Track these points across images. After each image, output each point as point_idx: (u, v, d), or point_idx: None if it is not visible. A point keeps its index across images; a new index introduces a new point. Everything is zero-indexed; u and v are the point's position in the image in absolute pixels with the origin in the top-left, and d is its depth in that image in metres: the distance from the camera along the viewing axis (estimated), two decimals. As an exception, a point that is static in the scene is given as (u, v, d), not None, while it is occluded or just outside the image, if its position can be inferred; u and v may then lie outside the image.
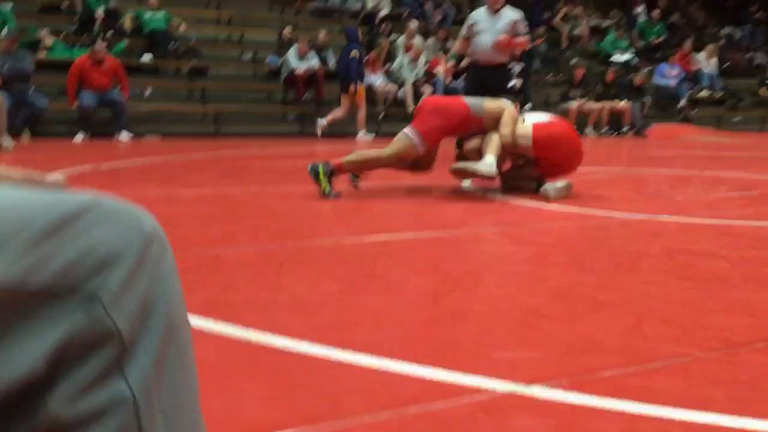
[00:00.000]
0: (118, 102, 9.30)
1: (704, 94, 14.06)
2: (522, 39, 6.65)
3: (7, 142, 7.68)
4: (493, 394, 1.60)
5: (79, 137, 8.98)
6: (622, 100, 12.38)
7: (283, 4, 13.62)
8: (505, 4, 6.59)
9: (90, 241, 0.50)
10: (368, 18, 13.18)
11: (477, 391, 1.62)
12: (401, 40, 11.86)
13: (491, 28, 6.55)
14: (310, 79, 10.88)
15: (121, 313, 0.51)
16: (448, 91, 10.40)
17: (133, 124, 9.51)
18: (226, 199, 4.43)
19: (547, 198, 4.42)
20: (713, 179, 6.05)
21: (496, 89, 6.69)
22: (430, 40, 12.44)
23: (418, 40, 11.68)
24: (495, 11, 6.55)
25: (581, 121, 12.02)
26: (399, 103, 11.41)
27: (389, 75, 11.59)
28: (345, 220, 3.78)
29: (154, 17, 11.11)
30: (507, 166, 4.92)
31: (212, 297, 2.29)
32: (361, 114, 10.51)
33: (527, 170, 4.76)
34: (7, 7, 10.20)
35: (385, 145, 4.80)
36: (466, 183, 4.99)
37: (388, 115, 11.52)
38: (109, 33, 10.52)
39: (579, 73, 12.23)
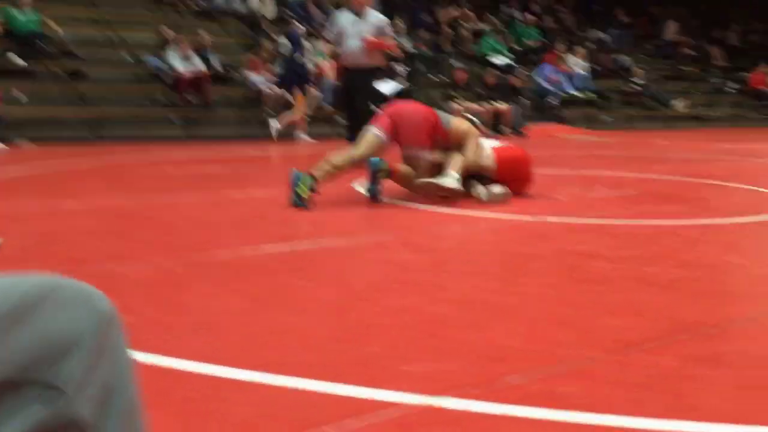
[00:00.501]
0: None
1: (577, 94, 14.78)
2: (390, 41, 6.70)
3: None
4: (407, 409, 1.63)
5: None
6: (502, 101, 12.82)
7: (164, 5, 13.21)
8: (367, 6, 6.56)
9: (49, 330, 0.49)
10: (252, 20, 13.00)
11: (391, 406, 1.64)
12: (286, 42, 11.77)
13: (356, 31, 6.54)
14: (195, 81, 10.62)
15: (84, 400, 0.50)
16: (336, 92, 10.46)
17: (6, 129, 8.96)
18: (114, 211, 4.26)
19: (479, 200, 4.59)
20: (590, 179, 6.37)
21: (365, 93, 6.74)
22: (316, 43, 12.43)
23: (304, 43, 11.64)
24: (359, 13, 6.55)
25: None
26: (288, 105, 11.33)
27: (276, 77, 11.49)
28: (242, 229, 3.73)
29: (28, 17, 10.51)
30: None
31: (110, 320, 2.20)
32: (292, 117, 10.73)
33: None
34: None
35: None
36: (361, 188, 5.02)
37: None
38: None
39: (460, 75, 12.56)
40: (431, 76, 13.91)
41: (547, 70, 14.03)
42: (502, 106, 12.81)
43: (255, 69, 11.20)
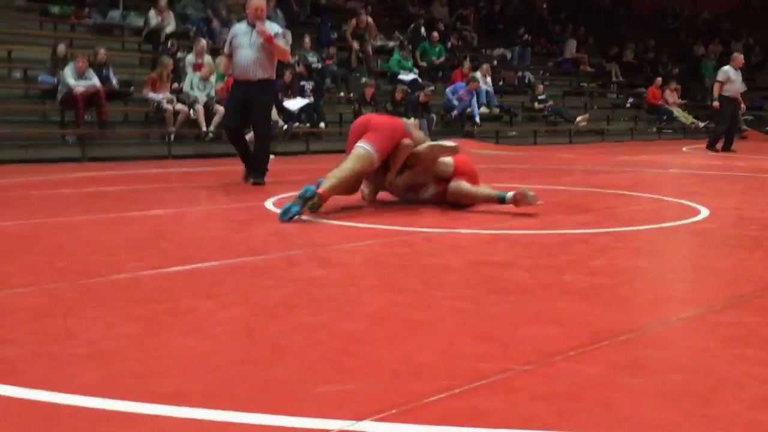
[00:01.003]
0: None
1: (483, 110, 15.02)
2: (282, 46, 6.50)
3: None
4: (322, 436, 1.49)
5: None
6: (410, 117, 12.86)
7: (56, 20, 12.63)
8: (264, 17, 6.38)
9: None
10: (152, 35, 12.59)
11: (304, 434, 1.50)
12: (190, 58, 11.44)
13: (249, 43, 6.34)
14: (91, 98, 10.15)
15: None
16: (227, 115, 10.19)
17: None
18: (0, 235, 3.93)
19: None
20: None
21: (258, 107, 6.55)
22: (219, 59, 12.14)
23: (208, 59, 11.33)
24: (254, 25, 6.34)
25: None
26: (191, 123, 10.99)
27: (179, 94, 11.14)
28: (141, 251, 3.49)
29: None
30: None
31: (-14, 354, 1.97)
32: None
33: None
34: None
35: None
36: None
37: (180, 136, 11.05)
38: None
39: (369, 91, 12.53)
40: (339, 92, 13.86)
41: (458, 87, 14.20)
42: (410, 121, 12.84)
43: (154, 86, 10.81)
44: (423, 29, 16.73)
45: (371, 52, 15.18)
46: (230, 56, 6.54)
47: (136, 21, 13.12)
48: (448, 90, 14.23)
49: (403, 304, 2.54)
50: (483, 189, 5.04)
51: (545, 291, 2.73)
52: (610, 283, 2.88)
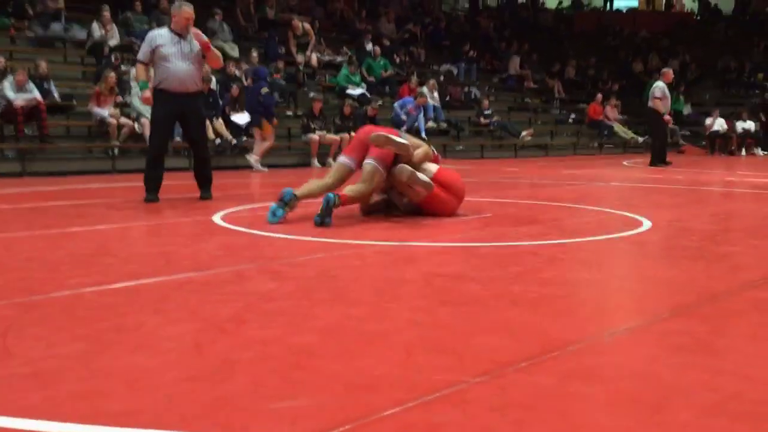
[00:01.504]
0: None
1: (431, 124, 15.14)
2: (216, 52, 6.39)
3: None
4: (276, 453, 1.46)
5: None
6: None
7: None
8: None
9: None
10: (95, 48, 12.35)
11: (257, 451, 1.46)
12: (134, 72, 11.24)
13: (181, 53, 6.10)
14: (31, 112, 9.88)
15: None
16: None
17: None
18: (-68, 253, 3.76)
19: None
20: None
21: (198, 119, 6.44)
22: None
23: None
24: (182, 35, 6.12)
25: (323, 151, 12.30)
26: (136, 137, 10.79)
27: (124, 108, 10.93)
28: (83, 267, 3.39)
29: None
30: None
31: None
32: (266, 145, 11.21)
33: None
34: None
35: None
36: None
37: (124, 149, 10.83)
38: None
39: (317, 106, 12.50)
40: (288, 107, 13.79)
41: (406, 101, 14.29)
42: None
43: (98, 100, 10.59)
44: (370, 44, 16.82)
45: (314, 62, 15.14)
46: (147, 64, 6.27)
47: (79, 34, 12.85)
48: (396, 105, 14.30)
49: (357, 317, 2.52)
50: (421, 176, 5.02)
51: (497, 302, 2.74)
52: (560, 294, 2.91)
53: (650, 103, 13.03)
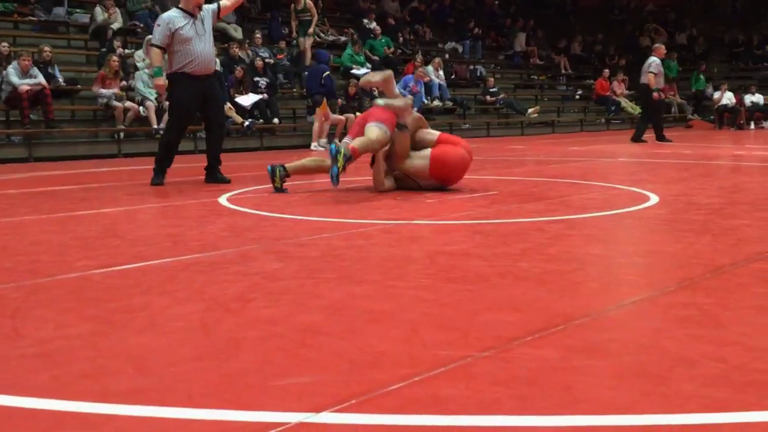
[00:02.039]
0: None
1: (436, 103, 15.08)
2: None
3: None
4: (283, 428, 1.47)
5: None
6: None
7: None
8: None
9: None
10: (98, 32, 12.32)
11: (265, 427, 1.48)
12: (139, 55, 11.23)
13: (199, 34, 5.99)
14: (36, 97, 9.89)
15: None
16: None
17: None
18: (-59, 238, 3.79)
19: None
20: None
21: (218, 100, 6.45)
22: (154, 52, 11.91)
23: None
24: (194, 16, 6.01)
25: (331, 131, 12.28)
26: (141, 120, 10.79)
27: (129, 92, 10.93)
28: (91, 250, 3.41)
29: None
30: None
31: (-71, 358, 1.90)
32: (327, 125, 11.75)
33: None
34: None
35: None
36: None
37: (130, 134, 10.85)
38: None
39: (322, 86, 12.45)
40: (292, 88, 13.76)
41: (407, 80, 14.23)
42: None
43: (104, 83, 10.59)
44: (372, 24, 16.71)
45: (314, 36, 14.87)
46: (164, 49, 6.09)
47: (82, 18, 12.82)
48: (399, 83, 14.24)
49: (362, 295, 2.53)
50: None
51: (502, 278, 2.75)
52: (565, 269, 2.91)
53: (644, 79, 12.85)
